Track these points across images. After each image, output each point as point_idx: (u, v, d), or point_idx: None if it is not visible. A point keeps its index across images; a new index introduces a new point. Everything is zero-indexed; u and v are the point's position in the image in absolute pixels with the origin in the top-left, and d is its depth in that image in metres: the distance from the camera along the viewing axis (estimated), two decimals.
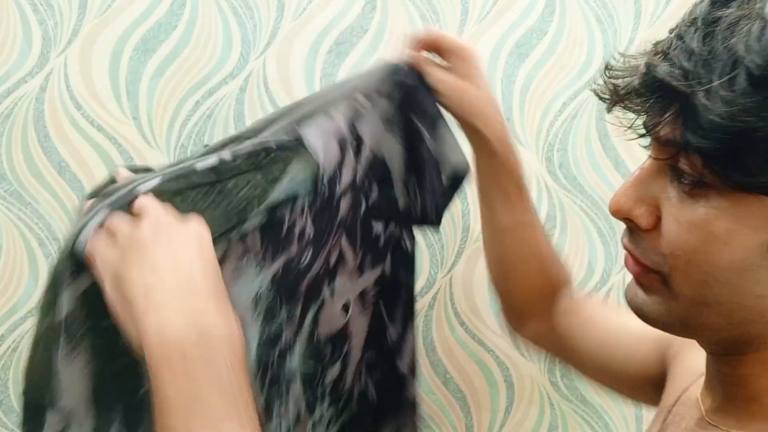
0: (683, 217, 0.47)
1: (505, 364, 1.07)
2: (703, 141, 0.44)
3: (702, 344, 0.53)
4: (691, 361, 0.64)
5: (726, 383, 0.53)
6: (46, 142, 0.95)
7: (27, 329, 0.96)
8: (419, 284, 1.02)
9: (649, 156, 0.50)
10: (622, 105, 0.50)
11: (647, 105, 0.47)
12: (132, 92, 0.96)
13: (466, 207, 1.02)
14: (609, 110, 0.52)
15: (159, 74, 0.96)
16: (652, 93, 0.47)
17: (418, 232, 1.01)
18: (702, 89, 0.43)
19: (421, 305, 1.03)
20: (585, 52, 1.03)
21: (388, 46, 1.00)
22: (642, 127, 0.50)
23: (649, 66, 0.47)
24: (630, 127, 0.51)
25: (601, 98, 0.53)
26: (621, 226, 0.54)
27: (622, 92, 0.49)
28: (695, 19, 0.47)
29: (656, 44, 0.50)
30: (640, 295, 0.52)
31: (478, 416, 1.06)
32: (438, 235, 1.02)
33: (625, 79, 0.49)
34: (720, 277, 0.47)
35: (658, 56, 0.47)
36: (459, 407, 1.06)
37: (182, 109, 0.97)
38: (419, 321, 1.03)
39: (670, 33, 0.50)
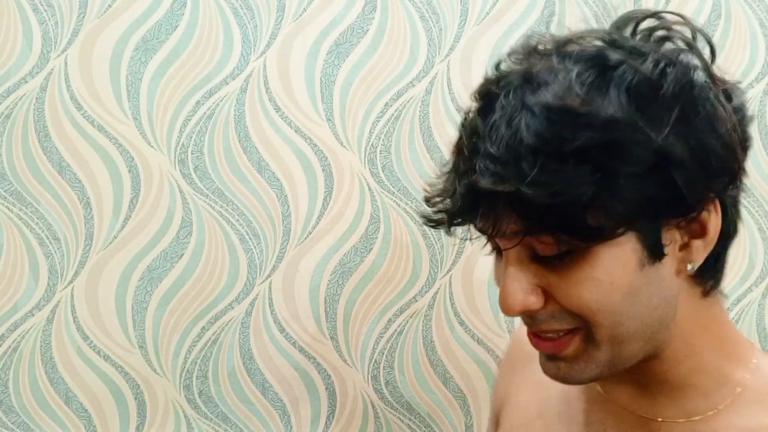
0: (568, 283, 0.52)
1: None
2: (546, 221, 0.50)
3: (623, 371, 0.57)
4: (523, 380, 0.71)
5: (638, 383, 0.59)
6: (47, 142, 0.95)
7: (27, 329, 0.96)
8: (419, 284, 1.03)
9: (502, 250, 0.55)
10: (456, 224, 0.56)
11: (480, 215, 0.53)
12: (132, 93, 0.96)
13: None
14: (449, 232, 0.59)
15: (159, 74, 0.96)
16: (482, 204, 0.52)
17: (418, 232, 1.02)
18: (524, 183, 0.48)
19: (421, 305, 1.03)
20: None
21: (388, 47, 1.00)
22: (480, 232, 0.55)
23: (470, 185, 0.51)
24: (474, 238, 0.58)
25: (437, 226, 0.59)
26: None
27: (456, 214, 0.55)
28: (474, 132, 0.53)
29: (453, 169, 0.56)
30: (565, 367, 0.56)
31: (478, 416, 1.06)
32: (438, 234, 1.02)
33: (450, 204, 0.55)
34: (622, 312, 0.53)
35: (468, 174, 0.52)
36: (459, 407, 1.06)
37: (183, 109, 0.97)
38: (419, 321, 1.03)
39: (456, 153, 0.56)
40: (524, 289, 0.54)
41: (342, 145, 1.00)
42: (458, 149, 0.56)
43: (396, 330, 1.03)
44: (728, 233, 0.55)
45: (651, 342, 0.55)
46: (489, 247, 0.59)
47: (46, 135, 0.95)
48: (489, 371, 1.06)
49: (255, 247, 0.99)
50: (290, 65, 0.99)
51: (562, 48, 0.53)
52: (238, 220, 0.99)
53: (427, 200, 0.59)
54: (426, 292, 1.03)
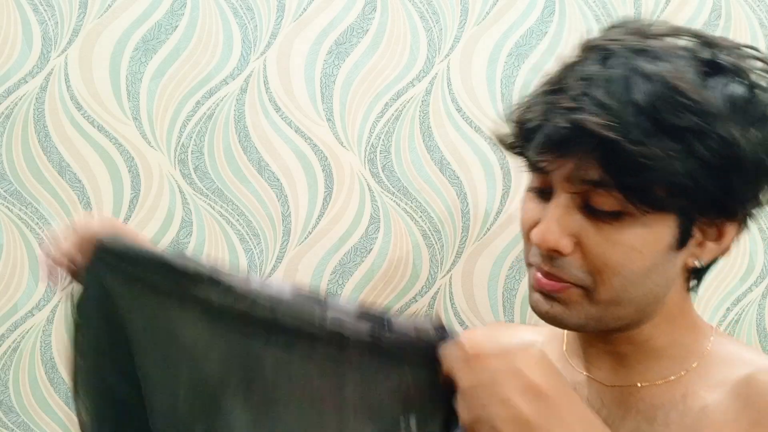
0: (605, 240, 0.58)
1: None
2: (628, 179, 0.55)
3: (601, 332, 0.64)
4: None
5: (618, 353, 0.65)
6: (47, 142, 0.95)
7: (27, 329, 0.96)
8: (419, 284, 1.03)
9: (557, 194, 0.59)
10: (530, 153, 0.60)
11: (561, 152, 0.57)
12: (132, 92, 0.96)
13: (466, 207, 1.03)
14: (515, 153, 0.63)
15: (159, 74, 0.96)
16: (575, 143, 0.56)
17: (418, 232, 1.02)
18: (627, 138, 0.54)
19: (421, 305, 1.03)
20: None
21: (388, 47, 1.00)
22: (543, 168, 0.59)
23: (574, 121, 0.55)
24: (533, 167, 0.61)
25: (506, 146, 0.64)
26: None
27: (543, 144, 0.58)
28: (587, 78, 0.57)
29: (547, 103, 0.59)
30: (557, 307, 0.61)
31: None
32: (438, 234, 1.02)
33: (538, 133, 0.58)
34: (635, 280, 0.59)
35: (572, 111, 0.56)
36: None
37: (183, 109, 0.97)
38: None
39: (554, 90, 0.59)
40: (562, 232, 0.58)
41: (342, 145, 1.00)
42: (558, 87, 0.59)
43: None
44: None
45: (640, 312, 0.62)
46: (531, 182, 0.63)
47: (46, 135, 0.95)
48: None
49: (255, 247, 0.99)
50: (290, 65, 0.99)
51: (675, 35, 0.60)
52: (238, 220, 0.99)
53: (515, 122, 0.62)
54: (426, 292, 1.03)
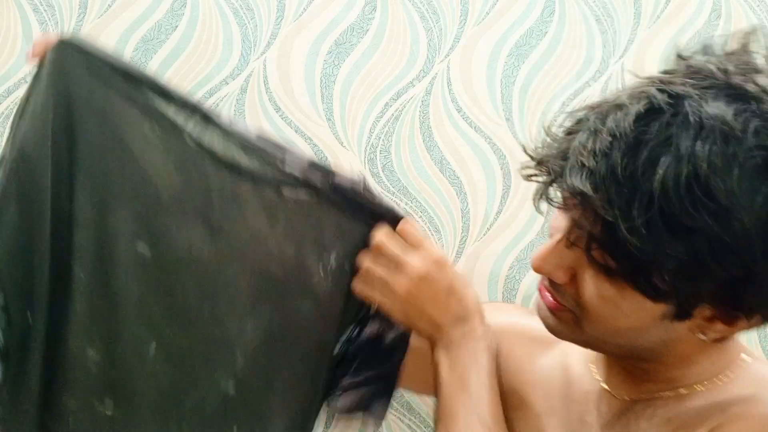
0: (595, 288, 0.55)
1: None
2: (620, 259, 0.51)
3: (565, 340, 0.64)
4: (526, 355, 0.76)
5: (631, 370, 0.64)
6: None
7: None
8: None
9: (567, 227, 0.56)
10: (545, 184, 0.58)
11: (568, 196, 0.55)
12: None
13: (466, 207, 1.02)
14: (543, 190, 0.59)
15: (159, 74, 0.96)
16: (579, 194, 0.52)
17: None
18: (625, 224, 0.49)
19: None
20: (584, 52, 1.03)
21: (387, 47, 1.00)
22: (563, 201, 0.57)
23: (575, 187, 0.51)
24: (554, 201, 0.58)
25: (531, 178, 0.60)
26: None
27: (552, 181, 0.56)
28: (619, 135, 0.50)
29: (578, 140, 0.53)
30: (552, 319, 0.62)
31: None
32: (438, 235, 1.02)
33: (553, 169, 0.56)
34: (620, 334, 0.58)
35: (580, 167, 0.51)
36: None
37: None
38: None
39: (585, 127, 0.54)
40: (558, 264, 0.57)
41: (342, 145, 1.00)
42: (589, 129, 0.53)
43: None
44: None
45: (637, 355, 0.61)
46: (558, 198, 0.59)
47: None
48: None
49: None
50: (290, 65, 0.99)
51: (734, 101, 0.50)
52: None
53: (538, 161, 0.58)
54: None
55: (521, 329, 0.77)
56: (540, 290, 0.62)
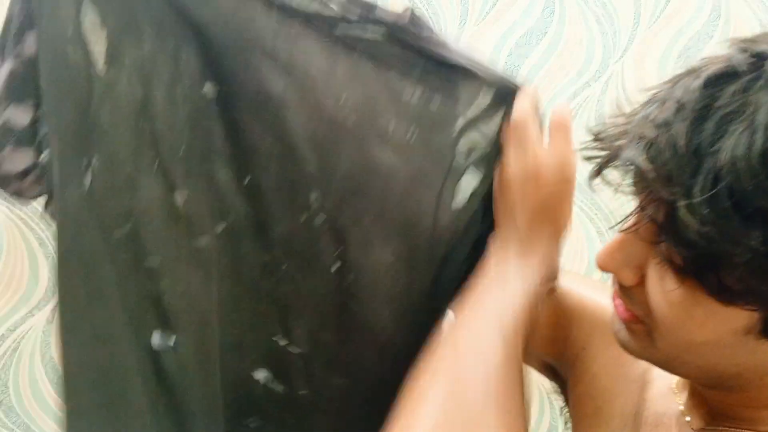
0: (664, 293, 0.46)
1: None
2: (682, 250, 0.43)
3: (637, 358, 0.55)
4: (613, 359, 0.65)
5: (712, 397, 0.54)
6: None
7: (27, 329, 0.96)
8: None
9: (635, 219, 0.48)
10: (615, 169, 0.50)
11: (636, 186, 0.47)
12: None
13: None
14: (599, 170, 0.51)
15: None
16: (640, 181, 0.46)
17: None
18: (684, 202, 0.41)
19: None
20: (584, 52, 1.03)
21: None
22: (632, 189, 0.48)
23: (629, 156, 0.45)
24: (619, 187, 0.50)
25: (590, 159, 0.52)
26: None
27: (616, 161, 0.48)
28: (683, 104, 0.43)
29: (645, 113, 0.47)
30: (624, 334, 0.52)
31: None
32: None
33: (620, 148, 0.48)
34: (697, 348, 0.47)
35: (638, 139, 0.45)
36: None
37: None
38: None
39: (653, 99, 0.47)
40: (624, 262, 0.49)
41: None
42: (658, 100, 0.46)
43: None
44: None
45: (715, 380, 0.50)
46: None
47: None
48: None
49: None
50: None
51: None
52: None
53: (598, 137, 0.51)
54: None
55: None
56: (613, 300, 0.53)
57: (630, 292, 0.50)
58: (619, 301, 0.52)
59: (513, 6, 1.01)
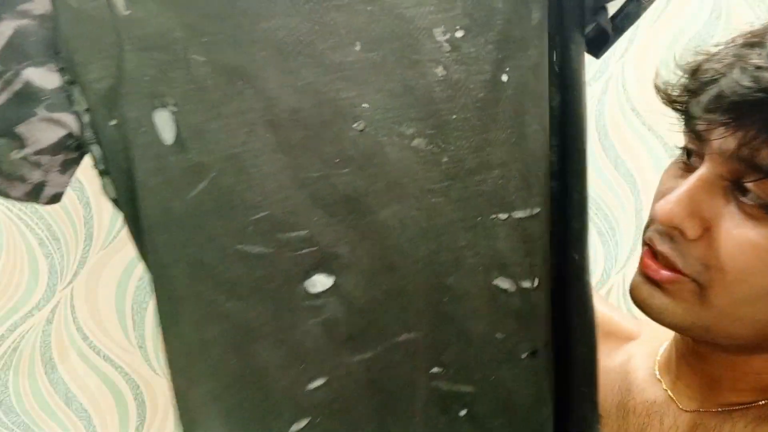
0: (741, 236, 0.47)
1: None
2: None
3: (703, 344, 0.54)
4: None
5: (710, 376, 0.55)
6: None
7: (27, 329, 0.96)
8: None
9: (704, 167, 0.49)
10: (693, 107, 0.49)
11: (737, 119, 0.46)
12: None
13: None
14: (676, 108, 0.51)
15: None
16: (752, 108, 0.45)
17: None
18: None
19: None
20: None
21: None
22: (700, 130, 0.48)
23: (761, 79, 0.45)
24: (691, 132, 0.50)
25: (668, 98, 0.52)
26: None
27: (713, 96, 0.47)
28: None
29: (747, 50, 0.48)
30: (660, 297, 0.51)
31: None
32: None
33: (717, 83, 0.48)
34: (758, 301, 0.47)
35: (761, 69, 0.45)
36: None
37: None
38: None
39: (762, 38, 0.48)
40: (693, 211, 0.48)
41: None
42: (757, 41, 0.47)
43: None
44: None
45: (759, 338, 0.50)
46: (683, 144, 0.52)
47: None
48: None
49: None
50: None
51: None
52: None
53: (688, 70, 0.51)
54: None
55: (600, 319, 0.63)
56: (644, 262, 0.52)
57: (686, 248, 0.49)
58: (657, 265, 0.51)
59: None
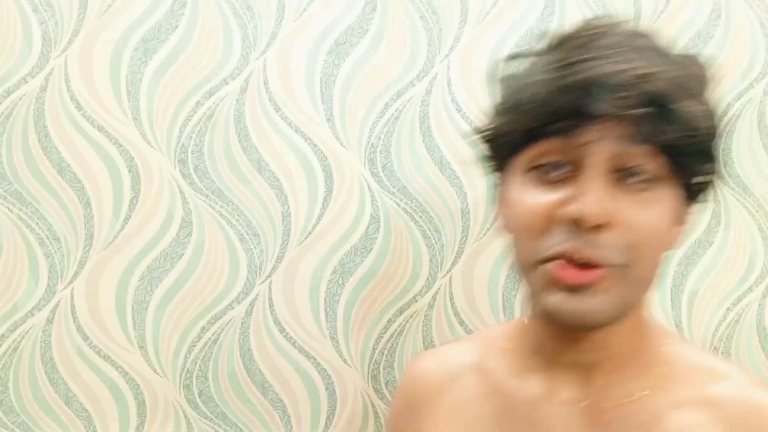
0: (641, 211, 0.56)
1: None
2: (677, 138, 0.54)
3: (589, 330, 0.60)
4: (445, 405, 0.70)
5: (587, 364, 0.62)
6: (47, 142, 0.95)
7: (27, 329, 0.96)
8: (419, 284, 1.03)
9: (592, 168, 0.55)
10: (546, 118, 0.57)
11: (607, 113, 0.54)
12: (132, 92, 0.96)
13: (466, 207, 1.02)
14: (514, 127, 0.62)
15: (159, 74, 0.96)
16: (623, 100, 0.53)
17: (418, 232, 1.01)
18: (687, 99, 0.54)
19: (421, 305, 1.03)
20: None
21: (388, 47, 1.00)
22: (571, 132, 0.56)
23: (630, 69, 0.53)
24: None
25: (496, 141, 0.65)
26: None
27: (588, 94, 0.54)
28: (617, 45, 0.56)
29: (549, 79, 0.58)
30: (590, 300, 0.56)
31: None
32: (438, 234, 1.02)
33: (584, 85, 0.55)
34: (658, 256, 0.58)
35: (621, 64, 0.54)
36: None
37: (182, 109, 0.97)
38: (419, 321, 1.03)
39: (553, 68, 0.57)
40: (607, 204, 0.55)
41: (342, 145, 1.00)
42: (556, 62, 0.57)
43: (396, 330, 1.03)
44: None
45: (642, 296, 0.60)
46: (529, 163, 0.60)
47: (46, 135, 0.95)
48: None
49: (255, 247, 0.99)
50: (290, 65, 0.99)
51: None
52: (238, 220, 0.99)
53: (513, 106, 0.62)
54: (426, 292, 1.03)
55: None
56: (563, 275, 0.55)
57: (604, 241, 0.54)
58: (580, 271, 0.55)
59: (513, 6, 1.01)
